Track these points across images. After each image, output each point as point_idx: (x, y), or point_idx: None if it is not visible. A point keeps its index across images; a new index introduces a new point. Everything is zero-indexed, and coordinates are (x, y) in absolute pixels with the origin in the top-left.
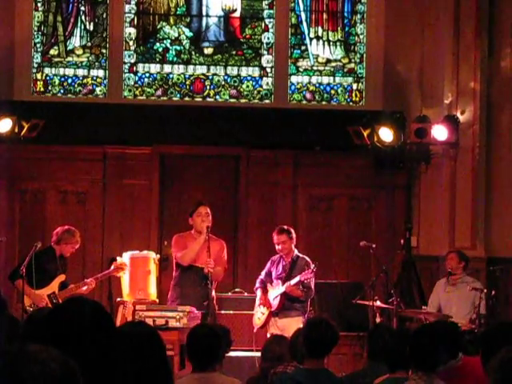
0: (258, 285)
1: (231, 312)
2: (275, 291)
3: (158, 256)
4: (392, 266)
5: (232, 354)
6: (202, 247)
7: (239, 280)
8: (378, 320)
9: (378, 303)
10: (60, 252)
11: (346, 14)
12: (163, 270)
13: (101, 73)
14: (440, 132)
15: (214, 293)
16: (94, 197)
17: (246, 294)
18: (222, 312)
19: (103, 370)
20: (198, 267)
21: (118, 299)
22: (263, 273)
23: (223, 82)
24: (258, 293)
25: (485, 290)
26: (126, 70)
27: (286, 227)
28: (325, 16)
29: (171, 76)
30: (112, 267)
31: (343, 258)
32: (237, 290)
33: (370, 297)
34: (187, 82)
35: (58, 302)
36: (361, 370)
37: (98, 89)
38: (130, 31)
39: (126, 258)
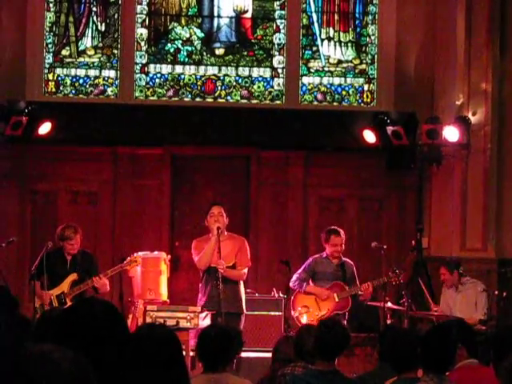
0: (298, 282)
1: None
2: (344, 293)
3: (169, 256)
4: (403, 267)
5: (244, 354)
6: (214, 248)
7: (250, 280)
8: (388, 321)
9: (389, 304)
10: (66, 251)
11: (357, 15)
12: (174, 270)
13: (112, 73)
14: (451, 133)
15: (243, 293)
16: (105, 197)
17: (257, 294)
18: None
19: (116, 370)
20: (212, 267)
21: (129, 299)
22: (302, 271)
23: (234, 83)
24: (303, 287)
25: (496, 292)
26: (137, 71)
27: (338, 229)
28: (336, 17)
29: (182, 77)
30: (125, 261)
31: (354, 259)
32: (248, 290)
33: (381, 298)
34: (198, 83)
35: (66, 302)
36: (372, 371)
37: (109, 89)
38: (142, 32)
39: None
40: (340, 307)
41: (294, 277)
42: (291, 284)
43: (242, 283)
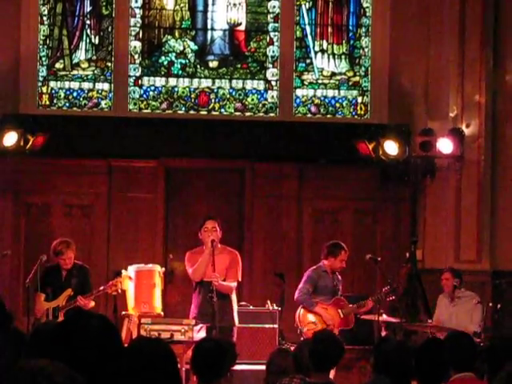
0: (306, 297)
1: (237, 325)
2: (348, 309)
3: (163, 269)
4: (397, 280)
5: (238, 367)
6: (208, 261)
7: (244, 293)
8: (383, 334)
9: (384, 317)
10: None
11: (350, 28)
12: (168, 283)
13: (106, 86)
14: (445, 145)
15: (235, 306)
16: (99, 210)
17: (251, 307)
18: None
19: None
20: (205, 281)
21: (123, 312)
22: (307, 284)
23: (228, 96)
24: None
25: (490, 304)
26: (131, 84)
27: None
28: (330, 29)
29: (176, 89)
30: (107, 284)
31: (348, 271)
32: (242, 303)
33: (376, 310)
34: (192, 96)
35: (59, 316)
36: None
37: (103, 102)
38: (135, 45)
39: (131, 271)
40: (345, 324)
41: (301, 290)
42: (299, 298)
43: (234, 296)
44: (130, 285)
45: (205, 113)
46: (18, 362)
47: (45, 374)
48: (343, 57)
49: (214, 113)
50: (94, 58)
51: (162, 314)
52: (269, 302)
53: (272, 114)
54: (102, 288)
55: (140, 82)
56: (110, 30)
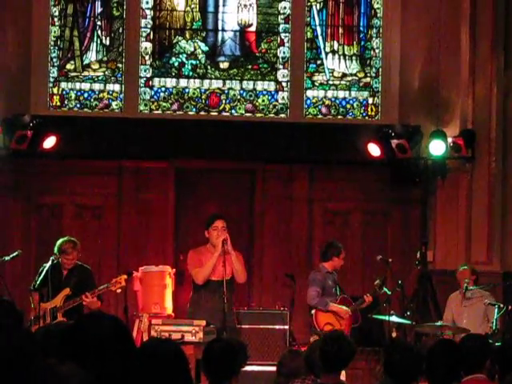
0: (320, 300)
1: (246, 326)
2: (352, 307)
3: (174, 270)
4: (408, 281)
5: (248, 368)
6: (218, 260)
7: (254, 294)
8: (394, 335)
9: (394, 318)
10: (62, 265)
11: (361, 29)
12: (179, 284)
13: (117, 87)
14: (456, 146)
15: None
16: (109, 211)
17: (261, 308)
18: (238, 326)
19: None
20: (214, 281)
21: (134, 313)
22: (318, 286)
23: (239, 97)
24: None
25: (501, 305)
26: (141, 85)
27: None
28: (340, 30)
29: (187, 90)
30: (111, 282)
31: (359, 273)
32: (252, 304)
33: (387, 311)
34: (203, 97)
35: (57, 316)
36: None
37: (114, 103)
38: (146, 46)
39: (141, 272)
40: (354, 320)
41: (311, 294)
42: (313, 301)
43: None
44: (140, 286)
45: (215, 114)
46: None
47: (57, 374)
48: (354, 58)
49: (224, 114)
50: (105, 59)
51: (173, 314)
52: (279, 303)
53: (283, 115)
54: (105, 286)
55: (151, 83)
56: (120, 31)
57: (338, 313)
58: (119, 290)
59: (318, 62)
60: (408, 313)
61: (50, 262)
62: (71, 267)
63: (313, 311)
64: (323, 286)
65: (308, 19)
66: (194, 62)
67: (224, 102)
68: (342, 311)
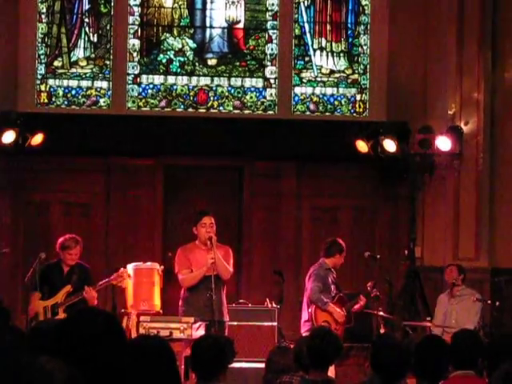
0: (321, 297)
1: (235, 323)
2: (348, 306)
3: (162, 267)
4: (396, 277)
5: (237, 365)
6: (205, 256)
7: (243, 291)
8: (381, 331)
9: (382, 314)
10: (64, 261)
11: (349, 25)
12: (167, 281)
13: (104, 84)
14: (444, 143)
15: (225, 302)
16: (97, 208)
17: (250, 304)
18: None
19: (111, 381)
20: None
21: (122, 310)
22: (319, 282)
23: (227, 93)
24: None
25: (489, 301)
26: (129, 82)
27: None
28: (328, 27)
29: (175, 87)
30: (113, 276)
31: (347, 269)
32: (241, 300)
33: (374, 307)
34: (191, 93)
35: (58, 312)
36: (365, 381)
37: (101, 100)
38: (134, 42)
39: (130, 269)
40: (348, 321)
41: (313, 290)
42: (314, 296)
43: (224, 292)
44: (129, 283)
45: (203, 111)
46: (16, 358)
47: (44, 370)
48: (342, 54)
49: (212, 111)
50: (93, 56)
51: (161, 311)
52: (267, 299)
53: (271, 112)
54: (106, 280)
55: (139, 79)
56: (108, 27)
57: (334, 315)
58: (120, 284)
59: (306, 58)
60: (394, 309)
61: (37, 260)
62: (73, 264)
63: (310, 309)
64: (324, 283)
65: (296, 16)
66: (181, 59)
67: (212, 98)
68: (338, 315)
